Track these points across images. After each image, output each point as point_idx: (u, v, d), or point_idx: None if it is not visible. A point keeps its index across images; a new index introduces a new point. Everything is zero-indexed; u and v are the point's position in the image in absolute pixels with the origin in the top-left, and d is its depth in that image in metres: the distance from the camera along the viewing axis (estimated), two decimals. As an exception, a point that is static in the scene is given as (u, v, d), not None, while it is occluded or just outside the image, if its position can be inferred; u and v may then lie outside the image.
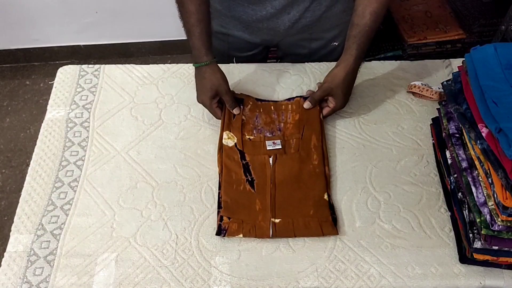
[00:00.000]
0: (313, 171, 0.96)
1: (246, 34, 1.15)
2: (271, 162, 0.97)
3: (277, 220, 0.89)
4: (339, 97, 1.02)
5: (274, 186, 0.94)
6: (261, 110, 1.06)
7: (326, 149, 1.00)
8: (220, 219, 0.89)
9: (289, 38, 1.16)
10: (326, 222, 0.89)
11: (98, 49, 2.28)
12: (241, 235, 0.88)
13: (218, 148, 1.00)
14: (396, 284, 0.84)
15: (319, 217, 0.90)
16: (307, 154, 0.98)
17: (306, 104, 1.04)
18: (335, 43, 1.19)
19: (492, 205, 0.78)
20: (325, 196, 0.92)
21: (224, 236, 0.88)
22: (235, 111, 1.04)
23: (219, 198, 0.93)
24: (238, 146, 0.99)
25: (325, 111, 1.05)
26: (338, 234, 0.88)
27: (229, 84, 1.05)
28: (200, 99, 1.04)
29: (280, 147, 0.99)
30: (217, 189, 0.95)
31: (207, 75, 1.01)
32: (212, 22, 1.03)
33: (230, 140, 1.00)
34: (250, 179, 0.95)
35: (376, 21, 0.98)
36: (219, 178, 0.96)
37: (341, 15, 1.12)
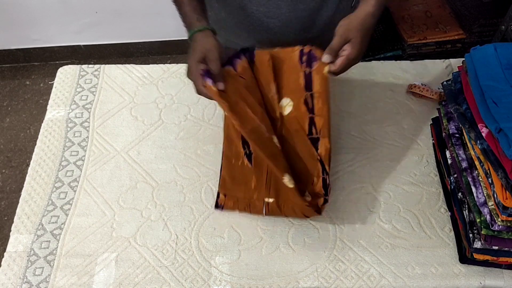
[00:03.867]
0: (310, 150, 0.91)
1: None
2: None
3: (270, 200, 0.89)
4: (356, 43, 0.88)
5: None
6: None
7: (329, 121, 0.93)
8: (218, 195, 0.92)
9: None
10: (310, 206, 0.86)
11: (98, 49, 2.28)
12: (237, 211, 0.90)
13: (224, 119, 0.98)
14: (396, 284, 0.84)
15: (310, 199, 0.87)
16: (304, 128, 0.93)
17: (326, 57, 0.90)
18: None
19: (492, 205, 0.78)
20: (320, 174, 0.89)
21: (222, 210, 0.91)
22: (219, 85, 0.89)
23: (220, 171, 0.95)
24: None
25: (340, 61, 0.89)
26: (320, 215, 0.86)
27: None
28: (188, 66, 0.91)
29: None
30: (217, 189, 0.95)
31: (199, 39, 0.90)
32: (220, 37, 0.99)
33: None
34: (248, 152, 0.93)
35: None
36: (222, 149, 0.96)
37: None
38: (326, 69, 0.91)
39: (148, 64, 1.20)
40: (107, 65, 1.18)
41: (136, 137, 1.04)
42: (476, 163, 0.83)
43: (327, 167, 0.88)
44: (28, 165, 0.99)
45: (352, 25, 0.90)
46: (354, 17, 0.91)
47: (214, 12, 1.07)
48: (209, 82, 0.87)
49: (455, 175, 0.90)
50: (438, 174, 0.98)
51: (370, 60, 1.20)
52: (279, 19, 1.02)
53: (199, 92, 0.90)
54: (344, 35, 0.89)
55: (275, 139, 0.92)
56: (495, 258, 0.82)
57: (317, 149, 0.90)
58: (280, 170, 0.87)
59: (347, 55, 0.89)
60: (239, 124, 0.88)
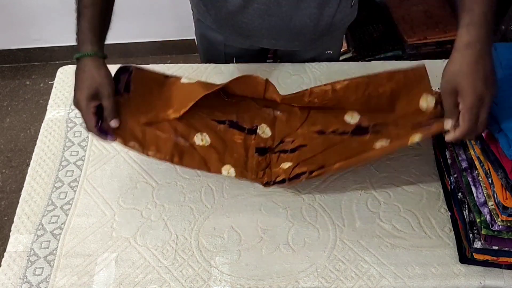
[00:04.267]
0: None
1: (244, 41, 1.13)
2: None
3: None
4: (467, 90, 0.71)
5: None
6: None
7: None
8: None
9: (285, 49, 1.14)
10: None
11: (98, 49, 2.28)
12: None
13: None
14: (396, 284, 0.84)
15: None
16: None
17: (447, 124, 0.76)
18: (329, 51, 1.19)
19: (492, 205, 0.78)
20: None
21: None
22: (113, 123, 0.83)
23: None
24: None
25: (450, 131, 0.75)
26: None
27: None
28: (75, 99, 0.82)
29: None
30: (217, 188, 0.95)
31: (88, 68, 0.82)
32: (210, 32, 0.96)
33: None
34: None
35: None
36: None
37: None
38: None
39: (148, 64, 1.20)
40: (107, 65, 1.17)
41: (136, 137, 1.04)
42: (476, 163, 0.83)
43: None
44: (28, 165, 0.99)
45: (454, 73, 0.73)
46: (452, 61, 0.74)
47: (214, 11, 1.07)
48: (110, 138, 0.84)
49: (455, 175, 0.90)
50: (438, 174, 0.98)
51: (370, 60, 1.20)
52: (280, 17, 1.02)
53: (90, 130, 0.83)
54: (450, 87, 0.73)
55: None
56: (495, 258, 0.82)
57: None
58: (215, 167, 0.89)
59: (462, 114, 0.72)
60: (154, 153, 0.87)
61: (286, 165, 0.90)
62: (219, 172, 0.90)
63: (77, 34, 0.84)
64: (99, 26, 0.85)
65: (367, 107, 0.90)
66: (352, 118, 0.92)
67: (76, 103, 0.82)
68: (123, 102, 0.87)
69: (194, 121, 0.92)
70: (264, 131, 0.95)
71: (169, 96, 0.92)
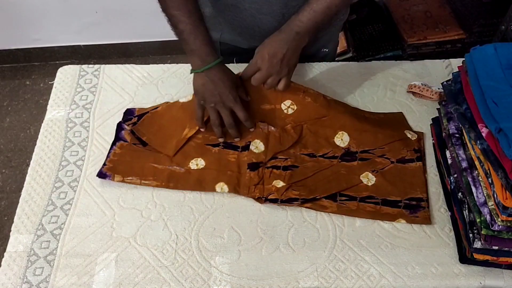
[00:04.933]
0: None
1: (239, 39, 1.14)
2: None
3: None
4: (260, 55, 0.94)
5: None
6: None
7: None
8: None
9: None
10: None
11: (98, 49, 2.28)
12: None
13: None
14: (396, 284, 0.84)
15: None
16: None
17: (254, 81, 0.96)
18: (325, 49, 1.19)
19: (492, 205, 0.78)
20: None
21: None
22: (248, 124, 0.98)
23: None
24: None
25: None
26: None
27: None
28: (231, 97, 0.95)
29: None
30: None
31: (221, 74, 0.95)
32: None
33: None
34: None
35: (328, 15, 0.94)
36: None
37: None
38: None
39: (148, 64, 1.20)
40: (107, 65, 1.18)
41: (136, 137, 1.04)
42: (476, 163, 0.83)
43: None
44: (28, 165, 0.99)
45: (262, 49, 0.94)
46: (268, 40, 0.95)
47: (208, 10, 1.07)
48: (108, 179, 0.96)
49: (455, 175, 0.90)
50: (438, 174, 0.98)
51: (370, 60, 1.20)
52: (272, 15, 1.02)
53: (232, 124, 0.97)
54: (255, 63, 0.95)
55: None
56: (495, 258, 0.82)
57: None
58: (209, 186, 0.94)
59: (252, 65, 0.95)
60: (150, 182, 0.95)
61: (279, 183, 0.93)
62: (214, 190, 0.94)
63: (190, 53, 0.94)
64: (208, 39, 0.94)
65: (355, 125, 0.99)
66: (342, 141, 0.98)
67: (234, 99, 0.95)
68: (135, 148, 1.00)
69: (189, 149, 0.98)
70: (257, 146, 0.98)
71: (178, 118, 1.02)
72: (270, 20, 1.04)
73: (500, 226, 0.77)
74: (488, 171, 0.79)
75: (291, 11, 1.02)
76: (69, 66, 1.18)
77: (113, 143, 1.00)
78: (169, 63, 1.19)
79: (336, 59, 1.29)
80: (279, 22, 1.03)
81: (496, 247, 0.80)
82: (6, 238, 0.90)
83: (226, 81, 0.95)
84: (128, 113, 1.05)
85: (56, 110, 1.09)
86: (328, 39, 1.18)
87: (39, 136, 1.04)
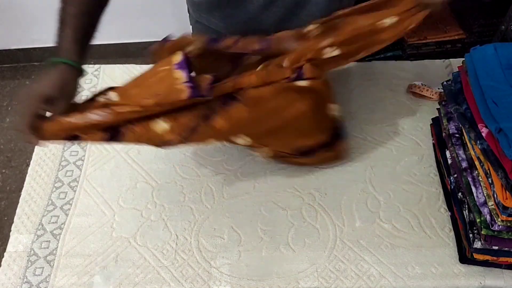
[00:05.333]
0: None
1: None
2: None
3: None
4: None
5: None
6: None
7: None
8: None
9: None
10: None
11: (98, 49, 2.28)
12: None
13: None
14: (396, 284, 0.84)
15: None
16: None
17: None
18: None
19: (492, 205, 0.78)
20: None
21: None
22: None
23: None
24: None
25: None
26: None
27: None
28: (31, 90, 0.76)
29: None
30: (216, 189, 0.95)
31: (65, 75, 0.81)
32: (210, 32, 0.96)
33: None
34: None
35: None
36: None
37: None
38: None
39: (148, 64, 1.20)
40: (107, 65, 1.18)
41: (136, 137, 1.04)
42: (476, 163, 0.83)
43: None
44: (28, 165, 0.99)
45: None
46: None
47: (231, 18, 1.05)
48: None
49: (455, 175, 0.90)
50: (438, 174, 0.98)
51: (370, 60, 1.20)
52: (286, 7, 0.99)
53: (22, 127, 0.75)
54: None
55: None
56: (495, 258, 0.82)
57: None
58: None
59: None
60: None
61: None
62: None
63: (59, 39, 0.81)
64: (83, 40, 0.83)
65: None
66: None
67: (31, 95, 0.75)
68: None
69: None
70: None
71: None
72: (261, 3, 1.00)
73: (500, 226, 0.77)
74: (488, 171, 0.79)
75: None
76: (69, 66, 1.18)
77: None
78: (169, 63, 1.18)
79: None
80: (268, 9, 1.00)
81: (496, 247, 0.80)
82: (6, 238, 0.90)
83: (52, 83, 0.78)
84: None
85: (56, 110, 1.09)
86: None
87: (39, 136, 1.04)
